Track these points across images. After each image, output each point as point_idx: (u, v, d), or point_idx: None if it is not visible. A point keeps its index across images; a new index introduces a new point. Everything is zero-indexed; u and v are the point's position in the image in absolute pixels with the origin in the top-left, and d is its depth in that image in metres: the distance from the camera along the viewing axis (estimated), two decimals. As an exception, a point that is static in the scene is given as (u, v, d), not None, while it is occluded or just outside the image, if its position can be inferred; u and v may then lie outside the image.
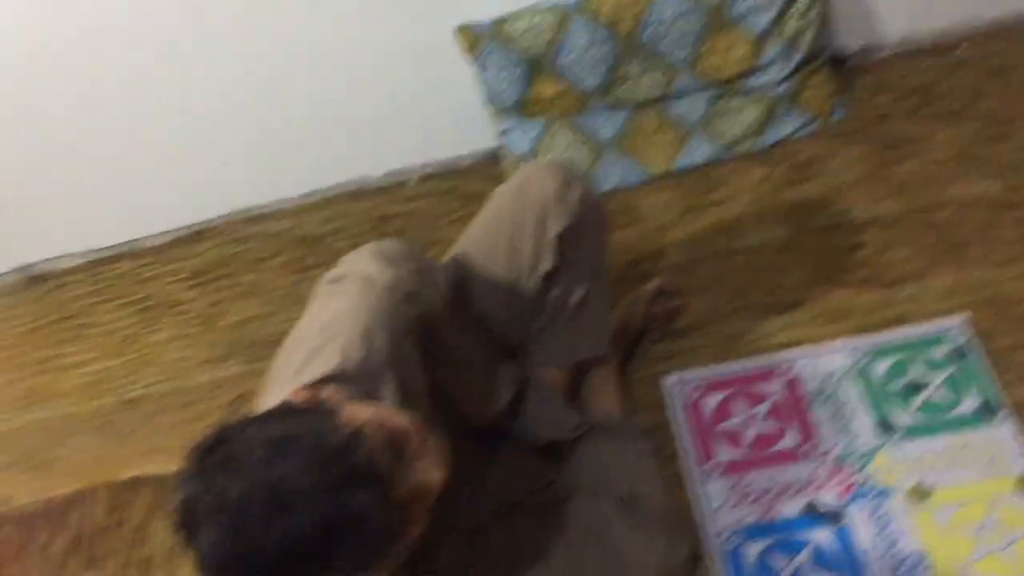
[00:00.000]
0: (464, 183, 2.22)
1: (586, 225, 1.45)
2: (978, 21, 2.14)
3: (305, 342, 1.13)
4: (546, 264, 1.44)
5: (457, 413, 1.34)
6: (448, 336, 1.30)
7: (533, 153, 2.09)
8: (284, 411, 0.98)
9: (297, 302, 1.92)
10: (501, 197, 1.48)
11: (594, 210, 1.48)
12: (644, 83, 2.02)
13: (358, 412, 0.95)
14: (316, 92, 2.10)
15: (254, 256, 2.24)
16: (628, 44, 1.97)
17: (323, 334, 1.12)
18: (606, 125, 2.07)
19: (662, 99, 2.05)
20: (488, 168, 2.22)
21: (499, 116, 2.10)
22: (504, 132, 2.12)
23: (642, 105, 2.06)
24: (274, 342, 1.22)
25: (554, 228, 1.42)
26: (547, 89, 2.02)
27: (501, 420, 1.48)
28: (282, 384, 1.08)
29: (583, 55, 1.97)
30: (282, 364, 1.15)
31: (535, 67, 1.99)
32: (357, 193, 2.29)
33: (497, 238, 1.45)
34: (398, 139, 2.21)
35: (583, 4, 1.94)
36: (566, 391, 1.61)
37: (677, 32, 1.97)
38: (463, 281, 1.45)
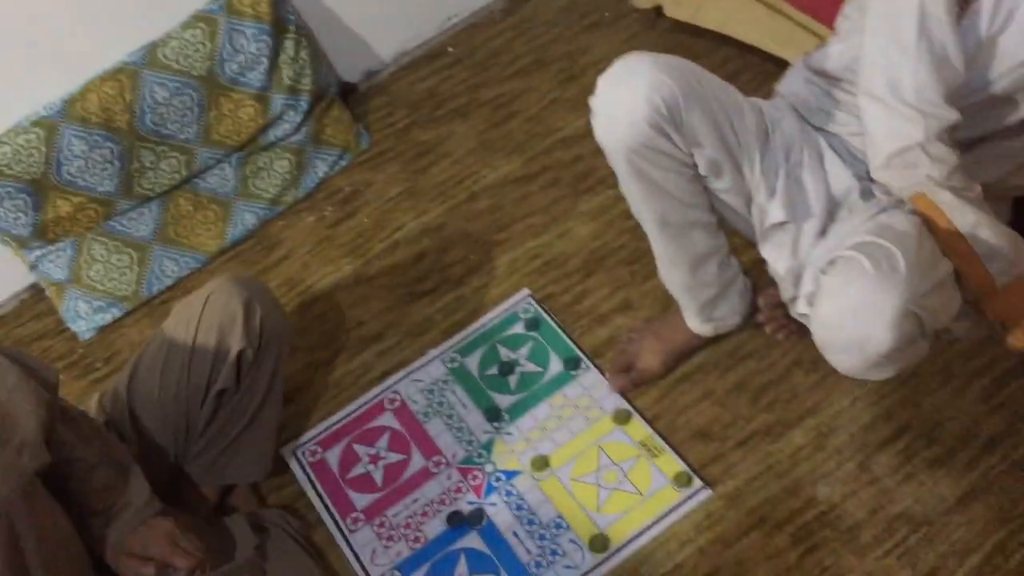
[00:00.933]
0: (9, 330, 2.02)
1: (267, 348, 1.47)
2: (456, 21, 2.31)
3: None
4: (222, 383, 1.44)
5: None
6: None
7: (74, 275, 1.94)
8: None
9: None
10: (183, 311, 1.46)
11: (276, 334, 1.49)
12: (164, 169, 1.95)
13: None
14: None
15: None
16: (130, 137, 1.89)
17: None
18: (141, 223, 1.97)
19: (189, 180, 1.99)
20: (36, 304, 2.04)
21: (23, 249, 1.93)
22: (35, 264, 1.95)
23: (170, 192, 1.98)
24: None
25: (235, 348, 1.43)
26: (63, 207, 1.88)
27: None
28: None
29: (87, 162, 1.86)
30: None
31: (39, 188, 1.85)
32: None
33: (175, 352, 1.43)
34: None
35: (67, 111, 1.83)
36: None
37: (177, 111, 1.92)
38: (130, 404, 1.45)
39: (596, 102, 1.35)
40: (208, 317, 1.43)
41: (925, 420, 1.51)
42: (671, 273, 1.54)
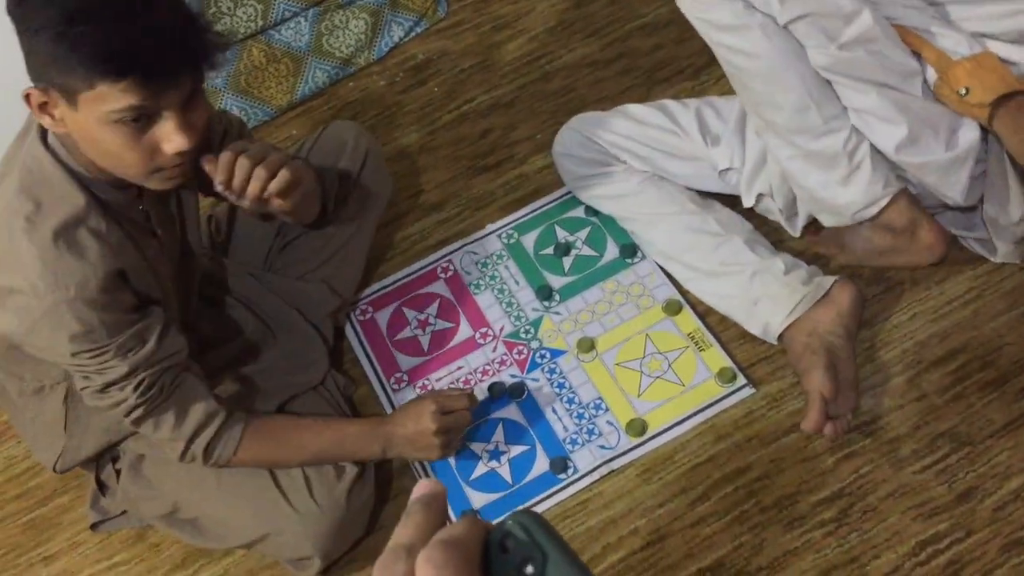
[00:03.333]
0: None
1: (370, 178, 1.61)
2: None
3: None
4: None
5: None
6: None
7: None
8: None
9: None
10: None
11: (379, 171, 1.63)
12: (240, 17, 1.94)
13: None
14: None
15: None
16: (210, -20, 1.87)
17: None
18: (214, 69, 1.97)
19: (263, 30, 1.98)
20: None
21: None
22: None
23: (244, 41, 1.97)
24: None
25: (344, 166, 1.55)
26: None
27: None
28: None
29: None
30: None
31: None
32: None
33: None
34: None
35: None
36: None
37: (258, -42, 1.89)
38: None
39: None
40: (320, 142, 1.57)
41: (983, 343, 1.48)
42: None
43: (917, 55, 1.37)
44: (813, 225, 1.58)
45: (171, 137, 1.11)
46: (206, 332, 1.49)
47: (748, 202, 1.58)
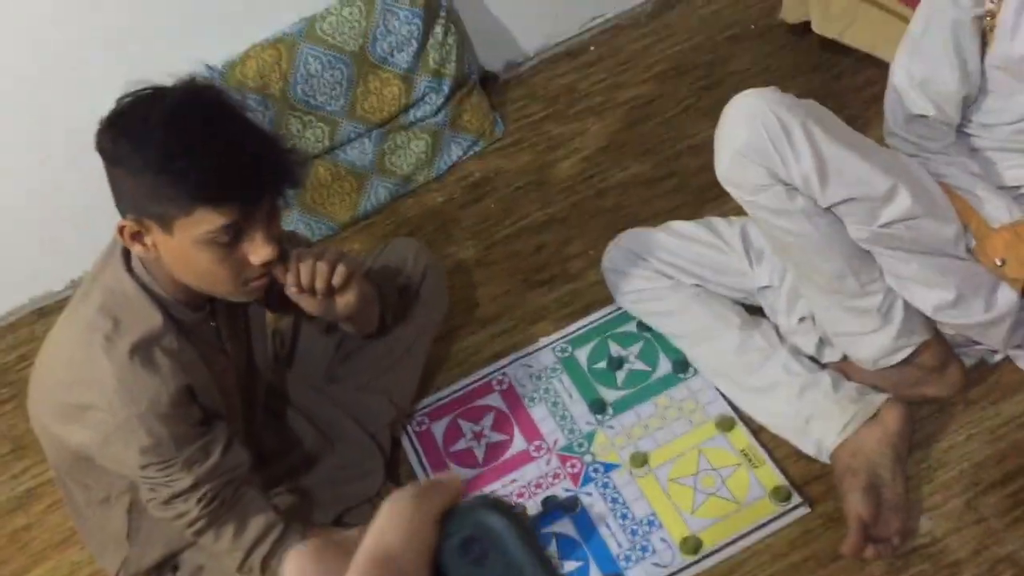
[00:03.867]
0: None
1: (427, 294, 1.67)
2: (601, 21, 2.34)
3: None
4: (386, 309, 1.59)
5: None
6: None
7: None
8: None
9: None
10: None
11: (436, 286, 1.70)
12: (308, 138, 2.05)
13: None
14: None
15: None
16: (281, 104, 1.99)
17: None
18: (281, 186, 2.07)
19: (330, 151, 2.08)
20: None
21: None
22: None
23: (311, 160, 2.07)
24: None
25: (402, 280, 1.62)
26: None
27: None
28: None
29: (239, 124, 1.96)
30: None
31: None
32: (41, 312, 2.15)
33: None
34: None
35: (226, 74, 1.94)
36: None
37: (327, 83, 2.01)
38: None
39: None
40: (382, 257, 1.64)
41: (1042, 466, 1.47)
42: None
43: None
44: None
45: (259, 250, 1.19)
46: (268, 444, 1.54)
47: (787, 325, 1.59)
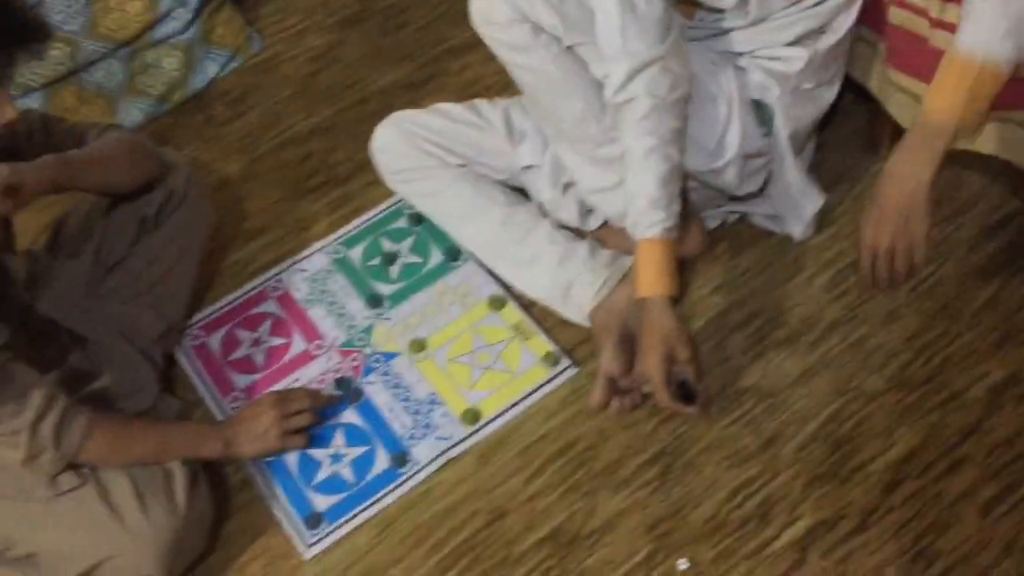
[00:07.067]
0: None
1: (192, 203, 1.65)
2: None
3: None
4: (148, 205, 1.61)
5: None
6: None
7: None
8: None
9: None
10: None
11: (200, 198, 1.69)
12: (48, 62, 1.93)
13: None
14: None
15: None
16: (12, 24, 1.86)
17: None
18: (23, 113, 1.95)
19: (74, 72, 1.98)
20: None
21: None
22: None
23: (55, 84, 1.96)
24: None
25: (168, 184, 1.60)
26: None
27: None
28: None
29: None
30: None
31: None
32: None
33: None
34: None
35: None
36: None
37: (62, 1, 1.90)
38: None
39: None
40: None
41: (775, 307, 1.63)
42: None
43: None
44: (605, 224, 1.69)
45: None
46: (38, 364, 1.47)
47: (551, 198, 1.67)
